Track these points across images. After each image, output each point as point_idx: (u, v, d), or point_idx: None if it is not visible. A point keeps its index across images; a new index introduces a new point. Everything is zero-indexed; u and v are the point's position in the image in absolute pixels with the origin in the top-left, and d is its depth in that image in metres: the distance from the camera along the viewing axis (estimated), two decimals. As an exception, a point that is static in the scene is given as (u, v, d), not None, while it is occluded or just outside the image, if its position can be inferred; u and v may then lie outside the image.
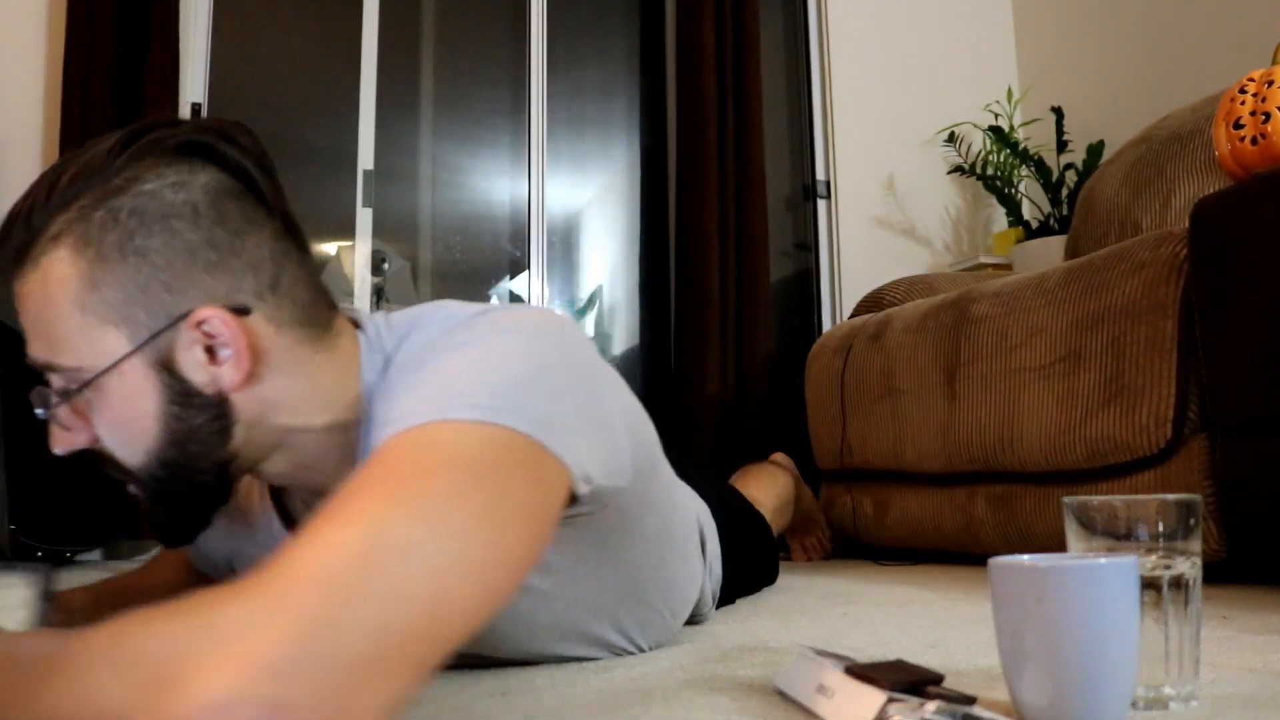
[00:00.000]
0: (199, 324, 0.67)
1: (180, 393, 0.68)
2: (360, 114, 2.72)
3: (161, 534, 0.75)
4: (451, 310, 0.75)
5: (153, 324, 0.66)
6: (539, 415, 0.62)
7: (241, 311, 0.68)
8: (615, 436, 0.74)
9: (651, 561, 0.94)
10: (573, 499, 0.67)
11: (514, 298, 2.88)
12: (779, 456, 2.21)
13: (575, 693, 0.80)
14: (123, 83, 2.39)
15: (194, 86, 2.59)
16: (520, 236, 2.88)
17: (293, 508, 0.86)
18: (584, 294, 2.97)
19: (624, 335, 2.97)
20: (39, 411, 0.70)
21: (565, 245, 2.96)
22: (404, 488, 0.53)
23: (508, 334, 0.67)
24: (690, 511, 1.11)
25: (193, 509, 0.74)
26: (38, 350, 0.68)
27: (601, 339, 2.97)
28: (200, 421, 0.69)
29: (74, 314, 0.66)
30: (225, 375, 0.68)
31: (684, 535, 1.05)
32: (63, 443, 0.71)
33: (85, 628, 0.47)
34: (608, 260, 2.99)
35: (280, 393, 0.71)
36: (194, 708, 0.42)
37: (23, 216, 0.66)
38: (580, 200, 3.00)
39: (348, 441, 0.73)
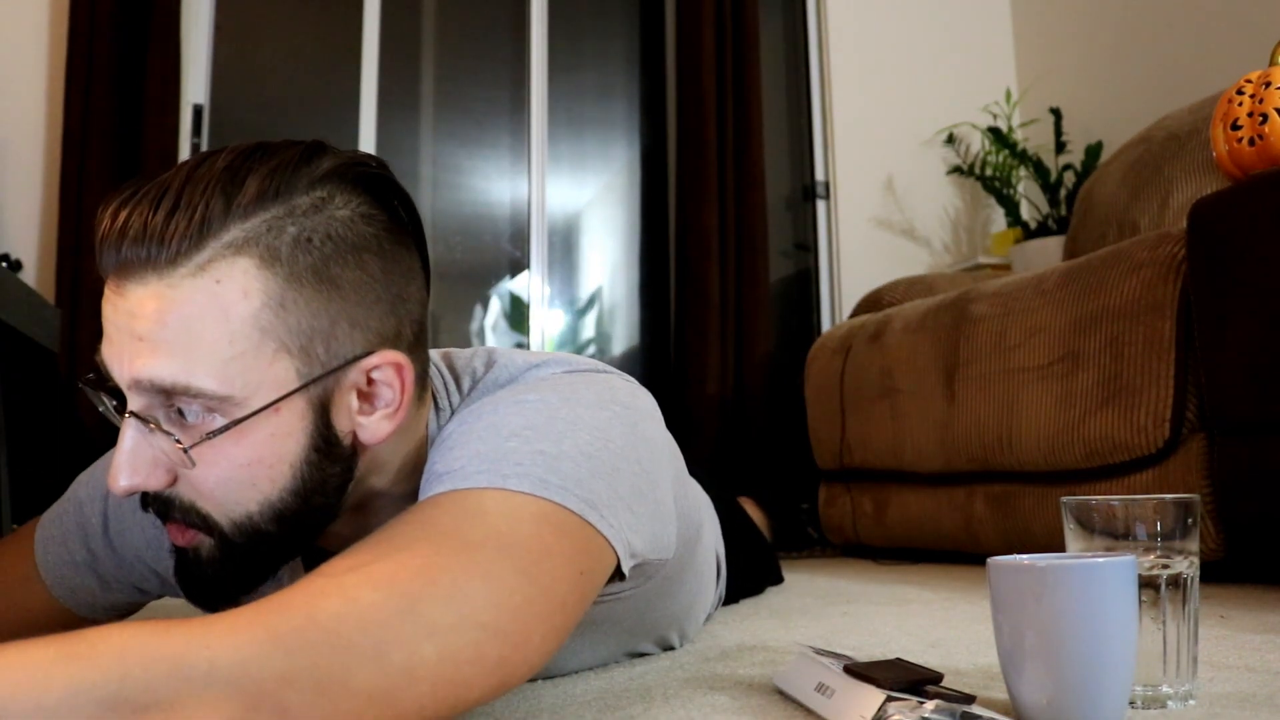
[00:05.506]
0: (370, 369, 0.61)
1: (324, 439, 0.60)
2: (361, 114, 2.72)
3: (206, 594, 0.63)
4: (517, 363, 0.71)
5: (329, 360, 0.59)
6: (594, 494, 0.60)
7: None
8: (665, 510, 0.72)
9: (680, 610, 0.95)
10: (618, 574, 0.65)
11: (514, 298, 2.88)
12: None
13: (575, 692, 0.81)
14: (124, 83, 2.39)
15: (195, 87, 2.59)
16: (520, 236, 2.89)
17: None
18: (584, 294, 2.97)
19: (624, 335, 2.97)
20: (129, 436, 0.58)
21: (565, 245, 2.96)
22: (442, 561, 0.51)
23: (577, 403, 0.64)
24: (710, 538, 1.08)
25: (261, 568, 0.64)
26: (167, 368, 0.56)
27: (601, 339, 2.97)
28: (334, 472, 0.62)
29: (250, 334, 0.56)
30: (376, 426, 0.62)
31: (709, 575, 1.04)
32: (135, 477, 0.58)
33: None
34: (608, 260, 2.99)
35: (389, 451, 0.66)
36: None
37: (187, 211, 0.55)
38: (580, 200, 3.00)
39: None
